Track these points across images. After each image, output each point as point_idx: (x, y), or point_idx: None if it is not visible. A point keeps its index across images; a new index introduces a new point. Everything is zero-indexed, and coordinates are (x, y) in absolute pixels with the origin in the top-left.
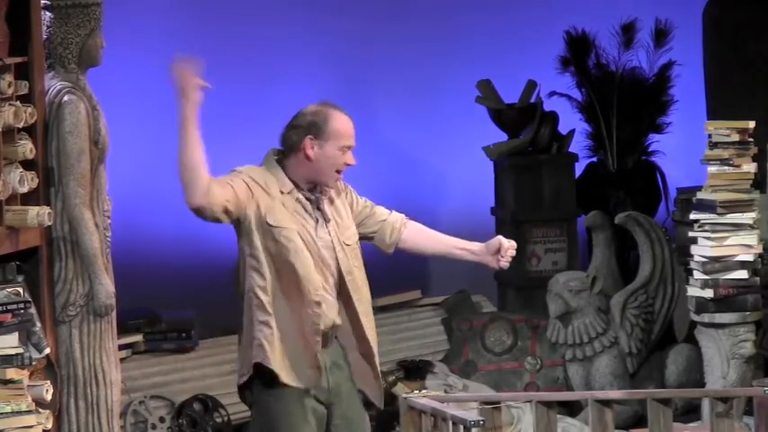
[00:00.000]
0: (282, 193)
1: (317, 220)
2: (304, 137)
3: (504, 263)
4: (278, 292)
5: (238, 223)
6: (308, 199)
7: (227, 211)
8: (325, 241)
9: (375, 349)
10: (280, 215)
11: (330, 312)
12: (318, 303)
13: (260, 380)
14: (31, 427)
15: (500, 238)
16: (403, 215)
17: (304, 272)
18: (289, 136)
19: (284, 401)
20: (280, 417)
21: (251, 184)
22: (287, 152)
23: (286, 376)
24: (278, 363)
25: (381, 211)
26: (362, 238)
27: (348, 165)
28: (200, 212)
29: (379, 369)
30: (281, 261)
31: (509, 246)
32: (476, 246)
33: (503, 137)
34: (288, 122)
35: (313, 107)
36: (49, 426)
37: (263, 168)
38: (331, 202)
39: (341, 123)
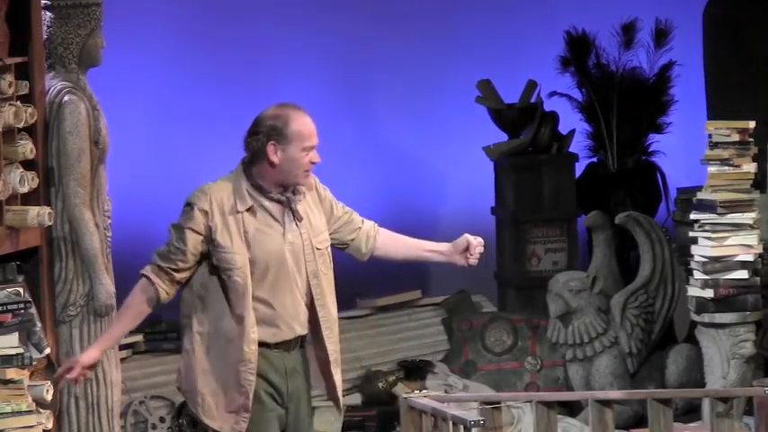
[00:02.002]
0: (240, 212)
1: (284, 225)
2: (266, 143)
3: (473, 260)
4: (213, 320)
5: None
6: (278, 201)
7: (199, 262)
8: (295, 246)
9: (333, 359)
10: (226, 236)
11: (294, 320)
12: (254, 341)
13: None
14: (31, 427)
15: (467, 236)
16: (374, 222)
17: (245, 301)
18: (250, 143)
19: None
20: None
21: (199, 222)
22: (252, 159)
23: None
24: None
25: (358, 219)
26: (337, 245)
27: (314, 163)
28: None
29: (336, 380)
30: (224, 282)
31: (477, 243)
32: (444, 246)
33: (503, 137)
34: (248, 129)
35: (271, 111)
36: (50, 426)
37: (229, 183)
38: (306, 203)
39: (301, 124)
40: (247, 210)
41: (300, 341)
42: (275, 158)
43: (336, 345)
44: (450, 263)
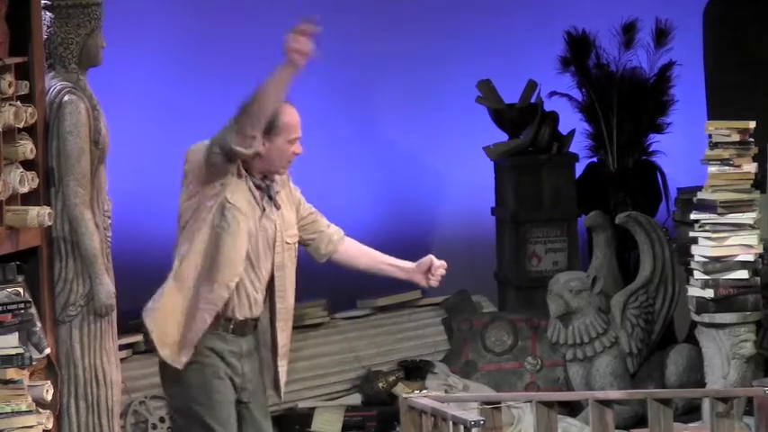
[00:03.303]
0: (241, 176)
1: (263, 210)
2: None
3: (434, 282)
4: (198, 263)
5: (211, 185)
6: (258, 187)
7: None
8: (268, 233)
9: (282, 351)
10: (238, 195)
11: (252, 306)
12: (228, 287)
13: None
14: (31, 427)
15: (431, 257)
16: (342, 231)
17: (232, 254)
18: None
19: (207, 375)
20: (203, 389)
21: None
22: None
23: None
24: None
25: (323, 222)
26: (299, 242)
27: (296, 154)
28: (231, 154)
29: (281, 371)
30: (216, 237)
31: (439, 265)
32: (407, 264)
33: (503, 137)
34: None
35: None
36: (50, 426)
37: None
38: (280, 198)
39: (289, 117)
40: (241, 178)
41: (254, 327)
42: (262, 149)
43: (287, 339)
44: (411, 280)
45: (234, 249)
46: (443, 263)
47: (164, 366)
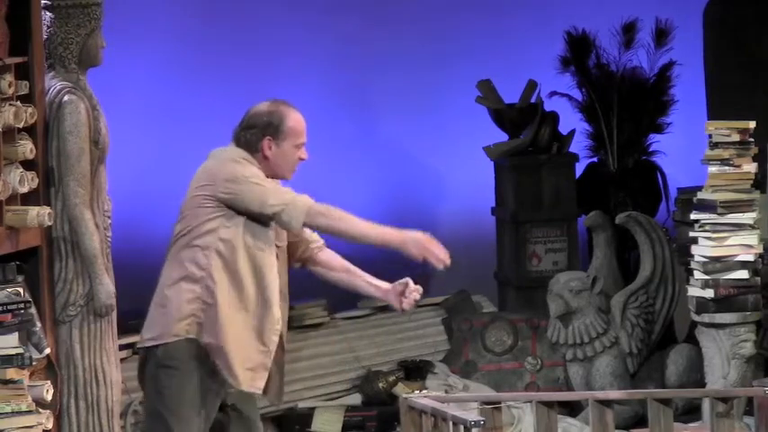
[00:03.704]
0: None
1: None
2: (262, 137)
3: (407, 304)
4: (247, 285)
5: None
6: None
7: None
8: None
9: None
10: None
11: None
12: (276, 305)
13: (176, 353)
14: (31, 427)
15: (408, 280)
16: (322, 240)
17: (272, 274)
18: (244, 136)
19: (191, 383)
20: (180, 395)
21: None
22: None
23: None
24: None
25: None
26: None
27: (302, 159)
28: (282, 226)
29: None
30: (254, 257)
31: (414, 289)
32: (383, 284)
33: (503, 137)
34: (241, 122)
35: (266, 107)
36: (50, 426)
37: (251, 164)
38: None
39: (296, 122)
40: None
41: None
42: (269, 153)
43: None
44: (385, 300)
45: (272, 269)
46: (419, 288)
47: (143, 366)
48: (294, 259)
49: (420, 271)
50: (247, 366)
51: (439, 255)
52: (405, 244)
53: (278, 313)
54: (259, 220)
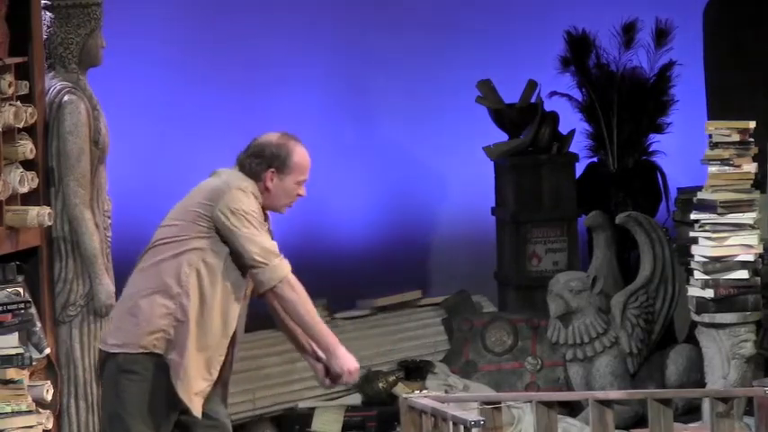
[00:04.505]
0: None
1: None
2: (266, 168)
3: (327, 383)
4: (207, 309)
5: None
6: None
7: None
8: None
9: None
10: None
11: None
12: (231, 341)
13: (138, 361)
14: (31, 427)
15: (346, 371)
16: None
17: (235, 307)
18: (249, 164)
19: (151, 391)
20: (140, 401)
21: None
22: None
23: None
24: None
25: None
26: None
27: (300, 196)
28: (256, 284)
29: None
30: (225, 296)
31: (345, 380)
32: (320, 355)
33: (503, 137)
34: (247, 150)
35: (275, 139)
36: (50, 426)
37: (255, 200)
38: None
39: (302, 158)
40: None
41: None
42: (270, 185)
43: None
44: (313, 368)
45: (237, 308)
46: (350, 381)
47: (102, 366)
48: (256, 293)
49: (420, 271)
50: (194, 391)
51: (344, 381)
52: (333, 355)
53: (224, 349)
54: (238, 258)
